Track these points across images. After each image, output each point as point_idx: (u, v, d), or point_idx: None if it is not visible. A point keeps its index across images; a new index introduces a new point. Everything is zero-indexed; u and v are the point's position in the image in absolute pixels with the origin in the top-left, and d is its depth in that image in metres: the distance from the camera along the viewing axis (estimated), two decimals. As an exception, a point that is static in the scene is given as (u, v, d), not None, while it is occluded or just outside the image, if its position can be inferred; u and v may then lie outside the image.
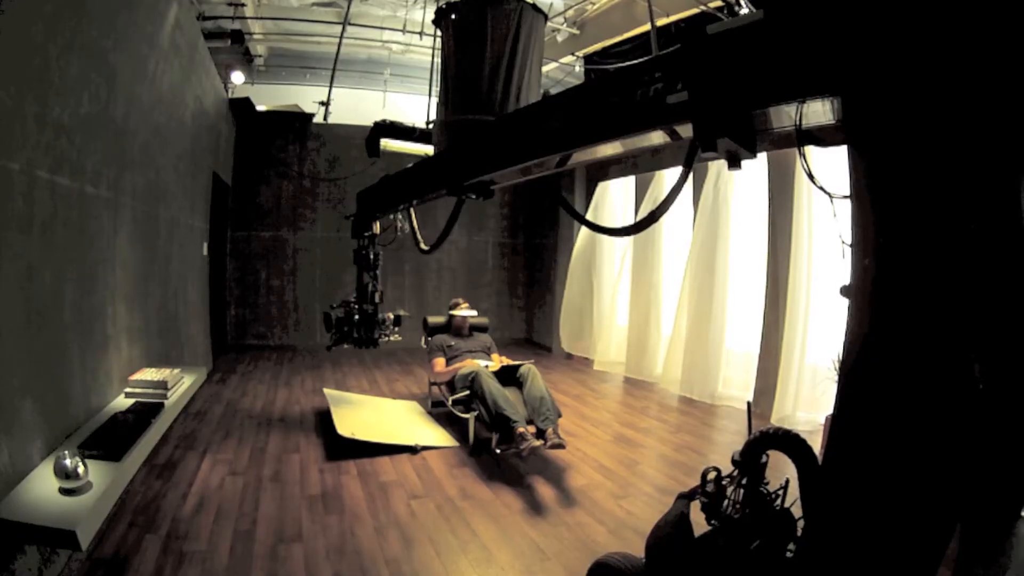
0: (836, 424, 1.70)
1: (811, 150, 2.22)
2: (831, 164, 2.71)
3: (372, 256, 5.82)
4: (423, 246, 4.50)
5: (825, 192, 2.06)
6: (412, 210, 4.82)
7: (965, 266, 1.46)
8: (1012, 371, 1.90)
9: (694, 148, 2.11)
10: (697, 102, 1.94)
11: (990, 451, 1.97)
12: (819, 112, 1.87)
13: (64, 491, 2.57)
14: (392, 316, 6.01)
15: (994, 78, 1.38)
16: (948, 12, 1.40)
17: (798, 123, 1.88)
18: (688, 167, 2.22)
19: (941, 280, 1.48)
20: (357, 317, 5.73)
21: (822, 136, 2.05)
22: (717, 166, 6.91)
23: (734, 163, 2.06)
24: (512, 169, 2.85)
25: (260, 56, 9.67)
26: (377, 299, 6.01)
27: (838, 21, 1.59)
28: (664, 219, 7.90)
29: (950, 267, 1.47)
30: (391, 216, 5.31)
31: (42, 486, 2.61)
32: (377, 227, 5.68)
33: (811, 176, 2.19)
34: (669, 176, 8.15)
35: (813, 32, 1.65)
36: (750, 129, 1.94)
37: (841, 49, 1.59)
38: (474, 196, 3.53)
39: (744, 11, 6.19)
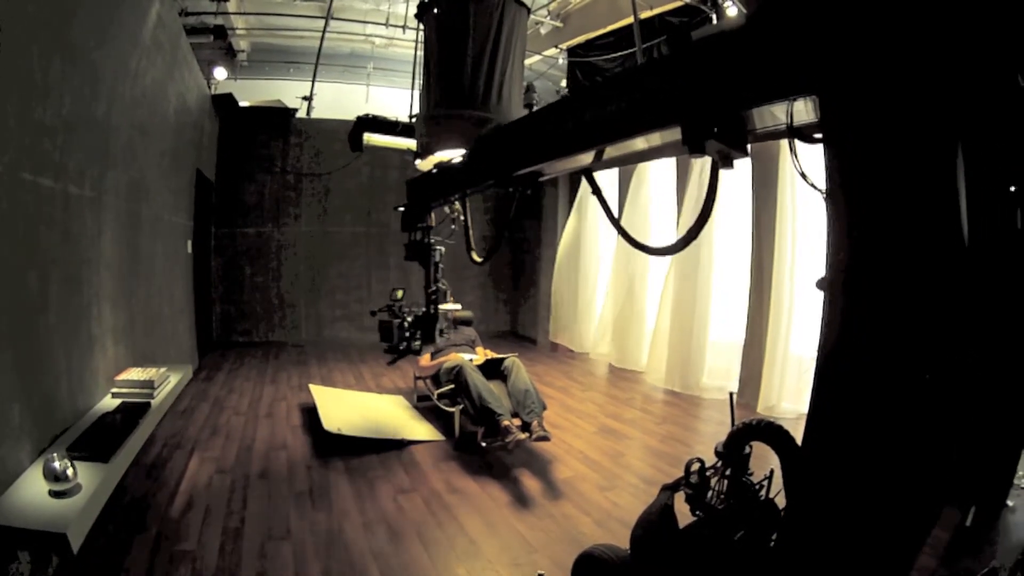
0: (812, 415, 1.74)
1: (801, 148, 2.26)
2: (821, 160, 2.76)
3: (435, 249, 5.36)
4: (476, 257, 4.37)
5: (817, 189, 2.10)
6: (467, 204, 4.67)
7: (935, 261, 1.52)
8: (989, 364, 1.96)
9: (716, 165, 2.17)
10: (684, 105, 1.98)
11: (967, 440, 2.02)
12: (802, 111, 1.91)
13: (54, 494, 2.58)
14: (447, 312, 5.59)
15: (958, 83, 1.43)
16: (916, 22, 1.45)
17: (790, 123, 1.91)
18: (713, 187, 2.27)
19: (912, 274, 1.54)
20: (410, 319, 5.30)
21: (809, 132, 2.09)
22: (702, 159, 6.95)
23: (727, 162, 2.11)
24: (555, 161, 2.87)
25: (243, 51, 9.60)
26: (449, 297, 5.67)
27: (817, 27, 1.63)
28: (648, 211, 7.90)
29: (920, 262, 1.52)
30: (446, 210, 5.18)
31: (32, 489, 2.63)
32: (433, 219, 5.28)
33: (804, 175, 2.24)
34: (653, 168, 8.19)
35: (792, 37, 1.69)
36: (741, 130, 1.99)
37: (818, 53, 1.63)
38: (522, 188, 3.50)
39: (729, 4, 6.22)
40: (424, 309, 5.29)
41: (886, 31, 1.50)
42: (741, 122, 1.97)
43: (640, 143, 2.50)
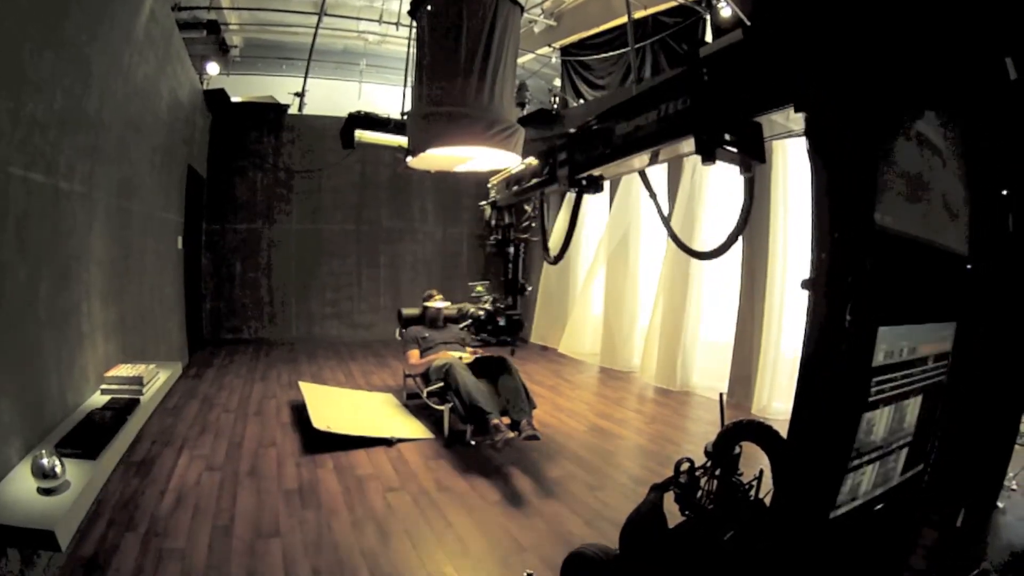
0: (797, 411, 1.76)
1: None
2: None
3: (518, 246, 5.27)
4: (550, 256, 4.40)
5: None
6: (544, 204, 4.68)
7: (906, 260, 1.57)
8: (981, 366, 1.98)
9: (751, 183, 2.24)
10: (695, 116, 2.05)
11: (959, 443, 2.04)
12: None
13: (42, 491, 2.57)
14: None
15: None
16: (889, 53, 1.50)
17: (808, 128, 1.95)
18: (750, 193, 2.32)
19: (886, 273, 1.59)
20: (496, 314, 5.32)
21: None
22: (693, 159, 6.97)
23: (746, 167, 2.16)
24: (611, 165, 3.01)
25: (236, 47, 9.57)
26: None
27: (805, 49, 1.69)
28: (640, 211, 7.93)
29: (893, 261, 1.58)
30: (526, 208, 5.16)
31: (20, 486, 2.61)
32: (508, 217, 5.21)
33: None
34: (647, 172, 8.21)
35: (784, 52, 1.74)
36: (758, 138, 2.03)
37: (806, 68, 1.68)
38: (587, 191, 3.56)
39: (723, 5, 6.24)
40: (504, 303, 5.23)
41: (863, 35, 1.55)
42: (757, 129, 2.01)
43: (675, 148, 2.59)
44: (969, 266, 1.96)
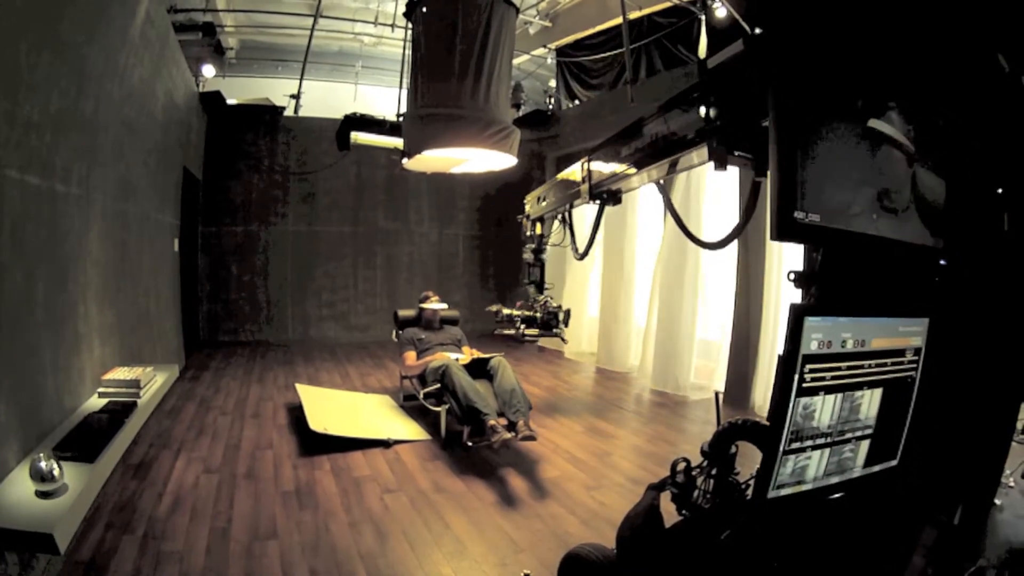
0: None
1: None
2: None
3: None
4: (577, 253, 4.52)
5: None
6: (572, 214, 4.85)
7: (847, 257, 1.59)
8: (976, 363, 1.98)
9: (758, 186, 2.28)
10: (706, 125, 2.09)
11: (956, 440, 2.04)
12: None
13: (40, 494, 2.57)
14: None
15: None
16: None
17: None
18: (755, 194, 2.36)
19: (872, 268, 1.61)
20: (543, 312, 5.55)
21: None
22: (690, 159, 6.98)
23: (761, 173, 2.20)
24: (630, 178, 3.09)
25: (231, 49, 9.58)
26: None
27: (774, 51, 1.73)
28: (636, 210, 7.94)
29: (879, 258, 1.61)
30: (558, 218, 5.24)
31: (18, 489, 2.61)
32: (539, 227, 5.54)
33: None
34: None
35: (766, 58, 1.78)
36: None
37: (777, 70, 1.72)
38: (608, 202, 3.65)
39: (717, 6, 6.25)
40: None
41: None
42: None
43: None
44: (943, 261, 1.97)
